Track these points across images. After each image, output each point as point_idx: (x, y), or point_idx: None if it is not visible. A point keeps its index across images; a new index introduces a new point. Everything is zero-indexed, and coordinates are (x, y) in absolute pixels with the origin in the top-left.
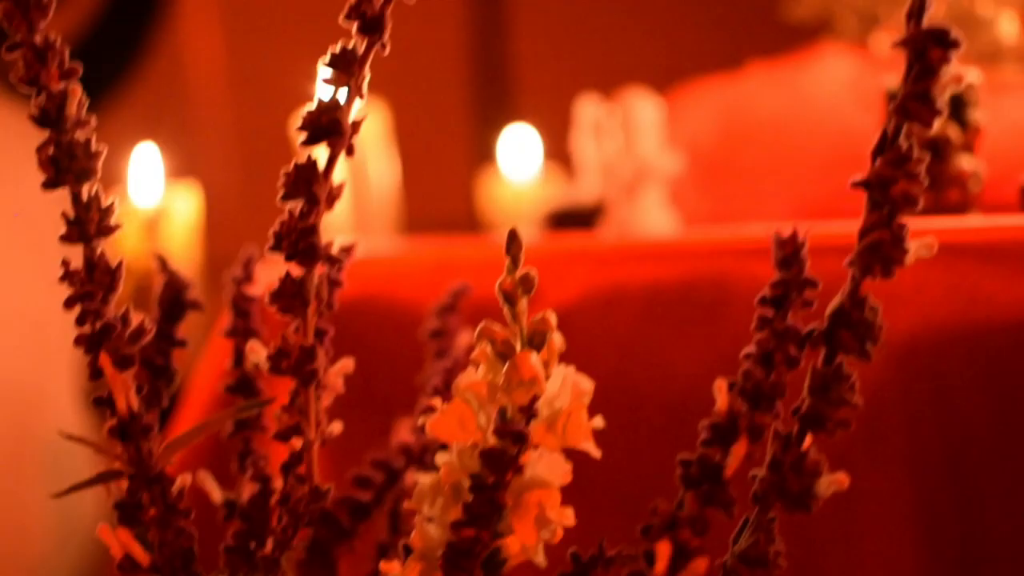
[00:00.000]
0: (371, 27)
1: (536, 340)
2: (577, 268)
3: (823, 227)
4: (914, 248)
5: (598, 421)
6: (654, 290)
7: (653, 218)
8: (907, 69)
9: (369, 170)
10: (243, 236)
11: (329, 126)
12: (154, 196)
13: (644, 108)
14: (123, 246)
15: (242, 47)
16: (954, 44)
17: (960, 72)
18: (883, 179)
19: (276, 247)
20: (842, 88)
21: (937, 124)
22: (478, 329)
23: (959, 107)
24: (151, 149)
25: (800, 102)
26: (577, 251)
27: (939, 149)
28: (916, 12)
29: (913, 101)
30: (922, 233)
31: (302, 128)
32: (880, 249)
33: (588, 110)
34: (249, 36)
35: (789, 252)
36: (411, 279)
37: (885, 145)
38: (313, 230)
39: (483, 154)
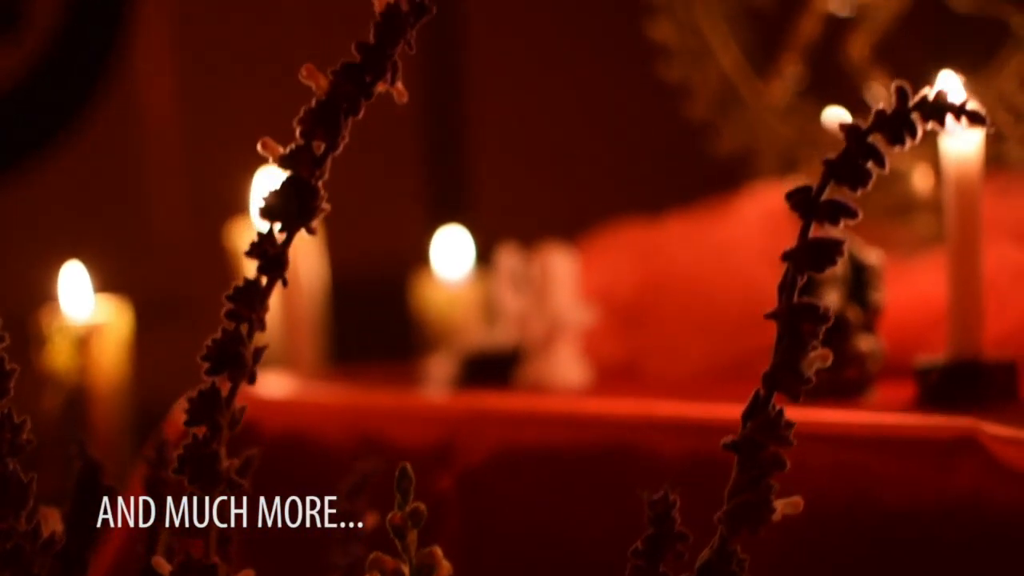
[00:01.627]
0: (273, 266)
1: (424, 572)
2: (489, 428)
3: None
4: (781, 506)
5: None
6: (563, 457)
7: (566, 371)
8: (778, 340)
9: (304, 292)
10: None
11: (231, 359)
12: (85, 311)
13: (560, 261)
14: (54, 361)
15: (195, 95)
16: (824, 319)
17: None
18: (753, 443)
19: (179, 471)
20: (753, 244)
21: (838, 303)
22: (369, 559)
23: (860, 288)
24: (79, 267)
25: (714, 256)
26: (489, 411)
27: (839, 329)
28: (788, 286)
29: (783, 371)
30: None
31: (204, 357)
32: (748, 511)
33: (507, 260)
34: (203, 86)
35: (660, 511)
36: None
37: (755, 408)
38: (215, 457)
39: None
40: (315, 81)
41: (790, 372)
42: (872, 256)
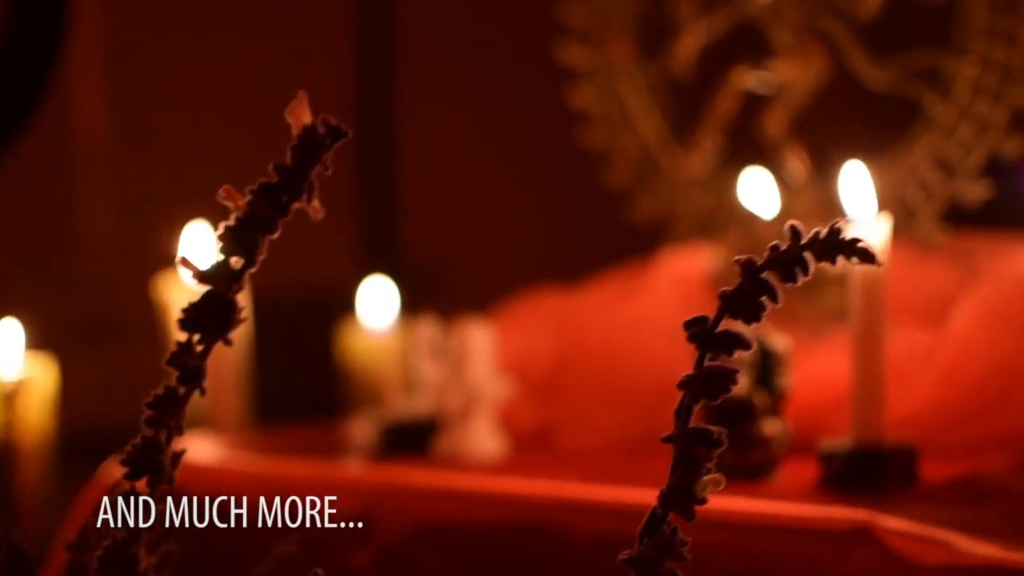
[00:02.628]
0: (191, 377)
1: None
2: (405, 503)
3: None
4: None
5: None
6: (478, 533)
7: (482, 442)
8: (673, 463)
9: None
10: None
11: (150, 466)
12: (13, 368)
13: (477, 335)
14: None
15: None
16: (717, 444)
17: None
18: (648, 560)
19: (99, 570)
20: (666, 318)
21: (745, 389)
22: None
23: (767, 374)
24: (10, 323)
25: (627, 329)
26: (406, 485)
27: (746, 413)
28: (684, 412)
29: (677, 495)
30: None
31: (124, 463)
32: None
33: (425, 330)
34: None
35: None
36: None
37: (651, 526)
38: (134, 559)
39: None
40: (233, 201)
41: (684, 494)
42: (779, 343)
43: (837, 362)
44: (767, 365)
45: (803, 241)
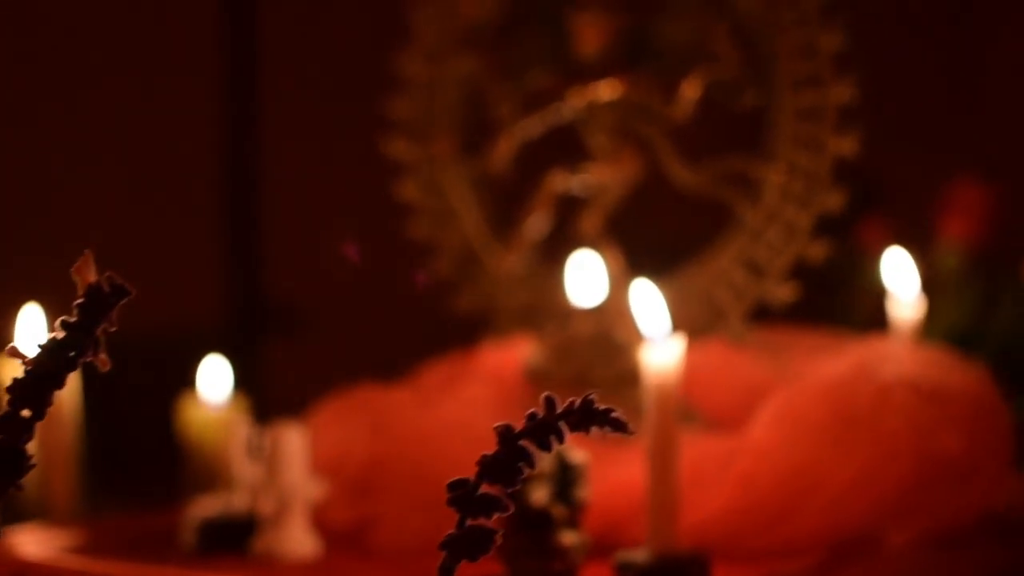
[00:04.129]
0: None
1: None
2: None
3: None
4: None
5: None
6: None
7: (296, 543)
8: None
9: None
10: None
11: None
12: None
13: (291, 436)
14: None
15: None
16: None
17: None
18: None
19: None
20: (478, 419)
21: (544, 500)
22: None
23: (566, 486)
24: None
25: (439, 430)
26: None
27: (545, 524)
28: (446, 572)
29: None
30: None
31: None
32: None
33: (241, 430)
34: None
35: None
36: None
37: None
38: None
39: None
40: (82, 277)
41: None
42: (577, 456)
43: (637, 469)
44: (566, 477)
45: (558, 411)
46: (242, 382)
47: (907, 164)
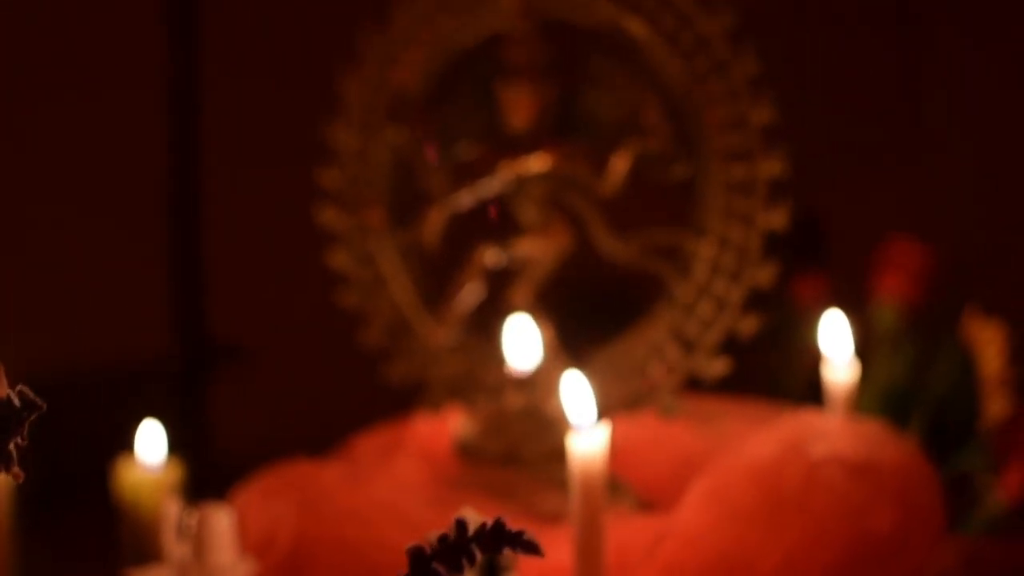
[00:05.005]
0: None
1: None
2: None
3: None
4: None
5: None
6: None
7: None
8: None
9: None
10: None
11: None
12: None
13: (218, 518)
14: None
15: None
16: None
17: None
18: None
19: None
20: (406, 499)
21: None
22: None
23: (494, 572)
24: None
25: (365, 515)
26: None
27: None
28: None
29: None
30: None
31: None
32: None
33: (170, 508)
34: None
35: None
36: None
37: None
38: None
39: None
40: None
41: None
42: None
43: (567, 551)
44: (492, 567)
45: (470, 534)
46: (183, 427)
47: (842, 221)
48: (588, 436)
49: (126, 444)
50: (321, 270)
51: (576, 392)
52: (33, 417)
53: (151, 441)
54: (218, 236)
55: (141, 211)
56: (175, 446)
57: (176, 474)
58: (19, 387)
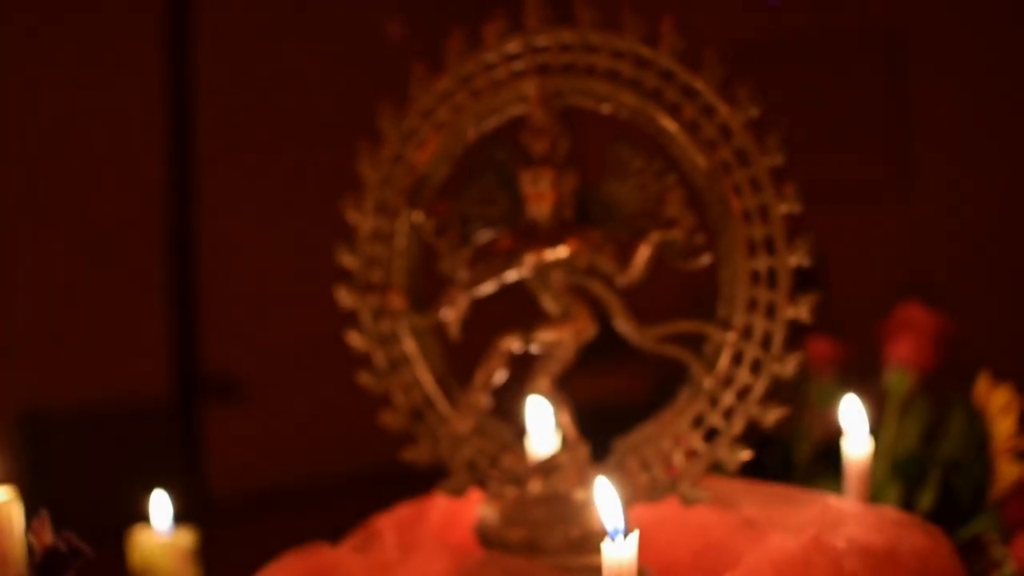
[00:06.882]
0: None
1: None
2: None
3: None
4: None
5: None
6: None
7: None
8: None
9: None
10: None
11: None
12: None
13: None
14: None
15: None
16: None
17: None
18: None
19: None
20: None
21: None
22: None
23: None
24: None
25: None
26: None
27: None
28: None
29: None
30: None
31: None
32: None
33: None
34: None
35: None
36: None
37: None
38: None
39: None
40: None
41: None
42: None
43: None
44: None
45: None
46: (179, 459)
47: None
48: (620, 547)
49: (127, 483)
50: (319, 310)
51: (607, 501)
52: (79, 561)
53: (161, 508)
54: (215, 275)
55: (139, 252)
56: (171, 480)
57: (189, 539)
58: (64, 534)
